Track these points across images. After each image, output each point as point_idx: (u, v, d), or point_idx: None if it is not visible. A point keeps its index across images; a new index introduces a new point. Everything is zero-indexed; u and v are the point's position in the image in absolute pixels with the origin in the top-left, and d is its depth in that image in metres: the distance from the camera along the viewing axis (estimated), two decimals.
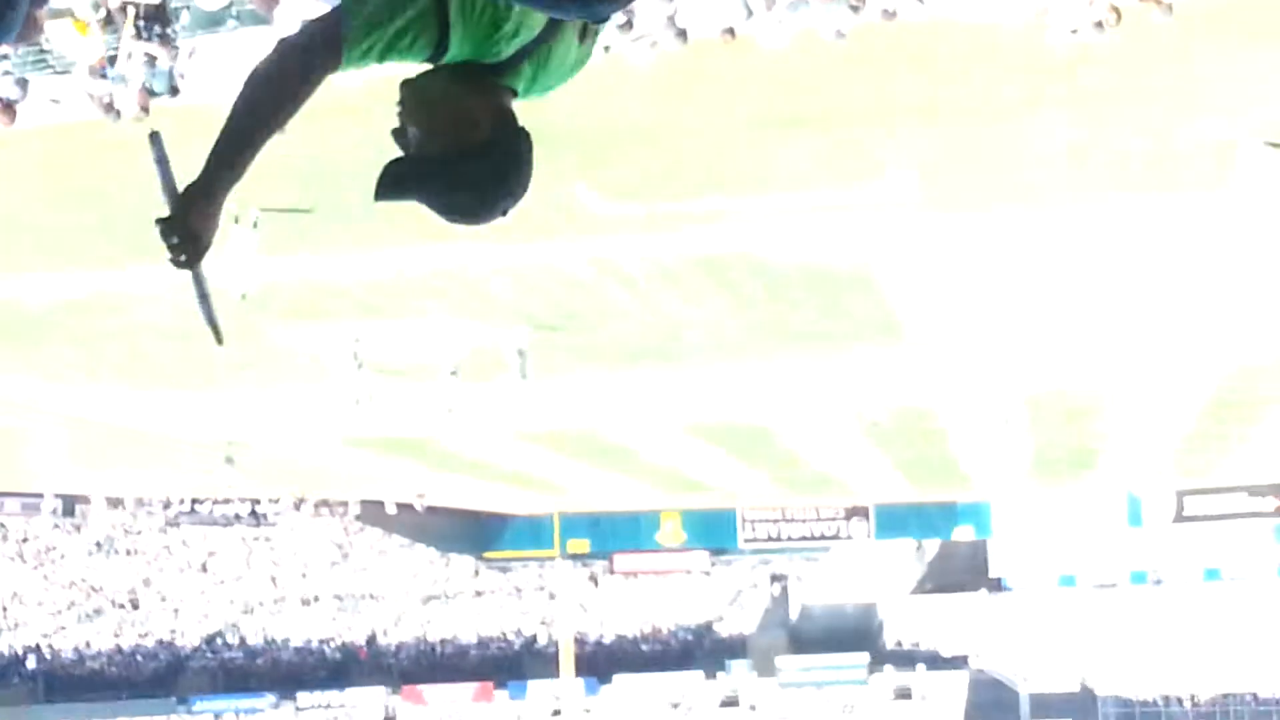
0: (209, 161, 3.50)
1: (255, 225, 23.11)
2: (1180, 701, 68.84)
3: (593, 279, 29.86)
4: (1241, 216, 23.33)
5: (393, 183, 3.59)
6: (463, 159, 3.58)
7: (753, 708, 70.82)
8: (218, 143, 3.44)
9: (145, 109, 18.75)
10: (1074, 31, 18.80)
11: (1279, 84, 20.27)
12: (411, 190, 3.65)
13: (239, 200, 22.10)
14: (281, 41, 3.58)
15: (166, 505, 57.38)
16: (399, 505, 60.04)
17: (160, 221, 3.48)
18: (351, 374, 34.78)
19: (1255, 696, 68.23)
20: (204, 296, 3.74)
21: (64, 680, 64.26)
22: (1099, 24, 18.57)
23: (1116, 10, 18.49)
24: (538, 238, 27.28)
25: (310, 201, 23.54)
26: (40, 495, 50.88)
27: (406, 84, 3.68)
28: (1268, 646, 68.06)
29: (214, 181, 3.50)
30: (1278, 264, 27.86)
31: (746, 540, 62.57)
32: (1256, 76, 20.40)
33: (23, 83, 18.85)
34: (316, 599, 67.73)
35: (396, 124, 3.67)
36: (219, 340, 3.77)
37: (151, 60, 17.48)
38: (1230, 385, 40.24)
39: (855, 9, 18.74)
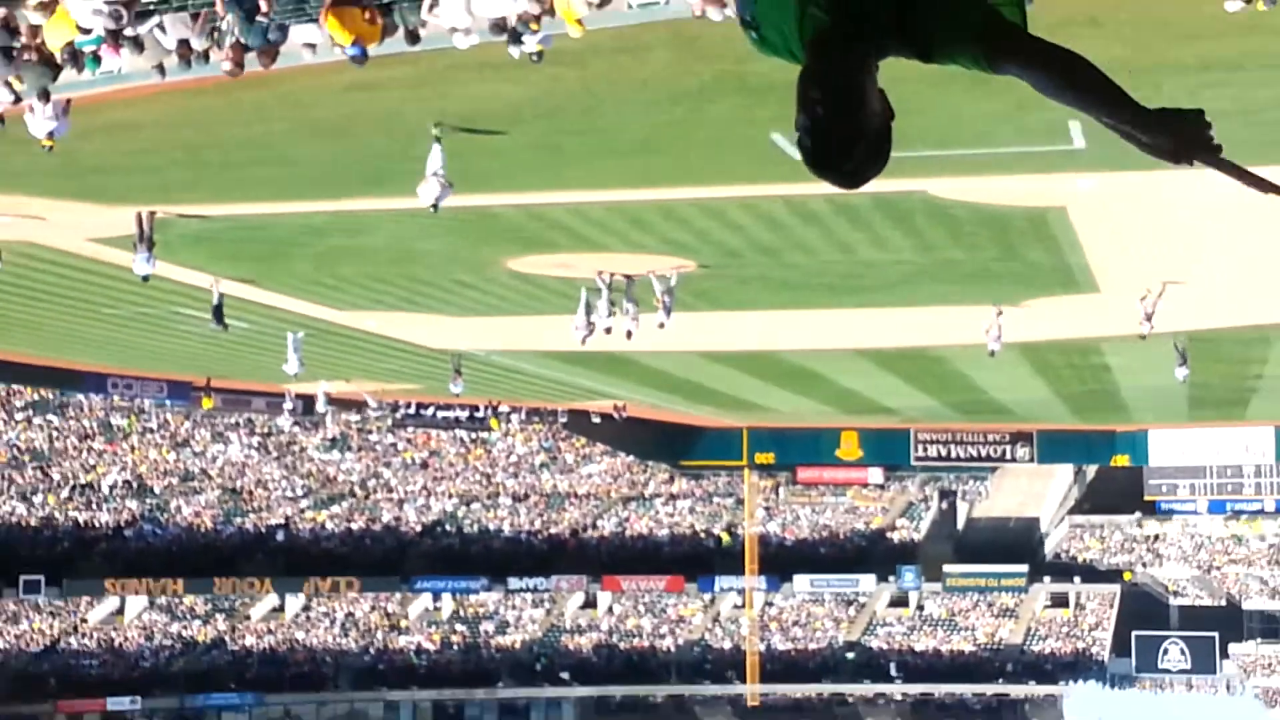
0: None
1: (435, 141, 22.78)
2: None
3: (786, 218, 29.58)
4: None
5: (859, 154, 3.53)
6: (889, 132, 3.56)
7: (920, 608, 70.87)
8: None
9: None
10: (1248, 2, 18.20)
11: None
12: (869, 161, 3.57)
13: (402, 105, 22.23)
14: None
15: (395, 408, 57.89)
16: (602, 415, 60.28)
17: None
18: (583, 309, 34.71)
19: None
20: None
21: (302, 558, 65.15)
22: None
23: None
24: (739, 181, 27.07)
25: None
26: (282, 395, 51.27)
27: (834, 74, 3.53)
28: None
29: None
30: None
31: (918, 458, 62.16)
32: None
33: (282, 28, 18.83)
34: (527, 496, 68.02)
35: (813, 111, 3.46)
36: None
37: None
38: None
39: None
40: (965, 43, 3.37)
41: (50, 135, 21.02)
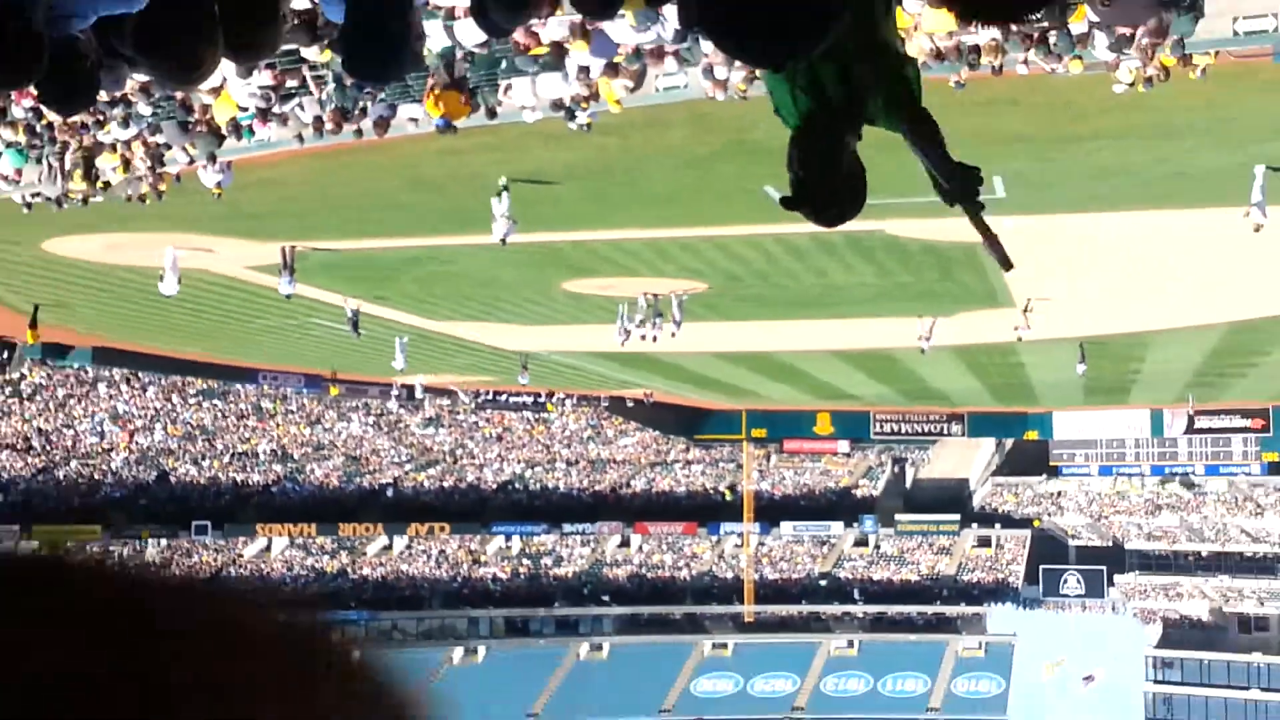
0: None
1: (502, 190, 22.81)
2: (1186, 556, 67.89)
3: (776, 251, 29.66)
4: (1249, 221, 22.45)
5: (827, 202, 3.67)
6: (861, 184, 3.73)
7: (877, 547, 71.01)
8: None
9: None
10: (1129, 85, 18.12)
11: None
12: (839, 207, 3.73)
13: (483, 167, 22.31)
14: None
15: (476, 395, 58.20)
16: (634, 401, 60.53)
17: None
18: (626, 320, 34.74)
19: (1241, 555, 66.95)
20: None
21: (406, 509, 65.40)
22: (1149, 80, 17.85)
23: (1166, 69, 17.77)
24: (740, 223, 27.17)
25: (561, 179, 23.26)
26: (390, 385, 51.51)
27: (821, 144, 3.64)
28: (1251, 519, 66.75)
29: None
30: (1272, 266, 27.14)
31: (877, 433, 62.23)
32: (1265, 117, 19.64)
33: (392, 106, 18.85)
34: (578, 461, 68.26)
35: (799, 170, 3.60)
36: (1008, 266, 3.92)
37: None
38: (1228, 338, 39.18)
39: (972, 65, 18.14)
40: (900, 121, 3.52)
41: (218, 185, 21.07)
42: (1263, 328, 37.13)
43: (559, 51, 17.91)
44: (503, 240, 23.56)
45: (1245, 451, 59.90)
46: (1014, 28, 17.15)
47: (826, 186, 3.56)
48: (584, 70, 18.39)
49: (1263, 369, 44.28)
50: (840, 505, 71.23)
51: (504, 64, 18.54)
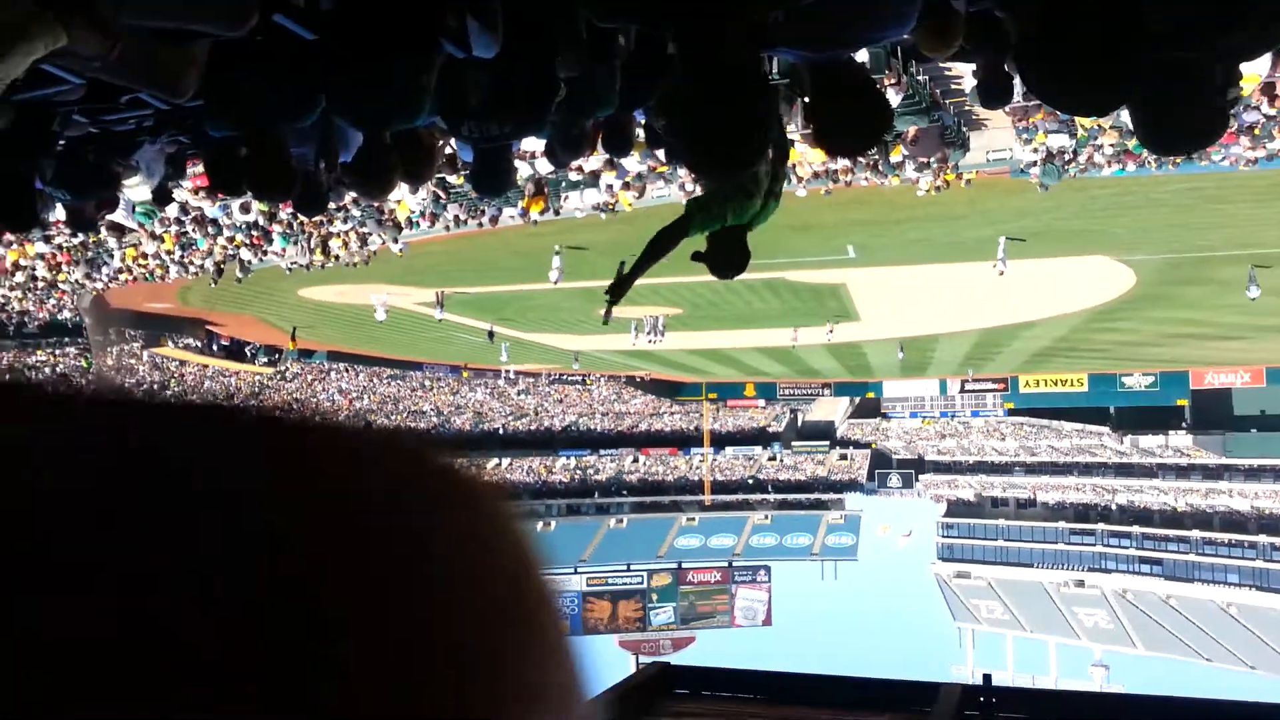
0: (632, 270, 3.53)
1: (557, 253, 22.69)
2: (960, 463, 67.94)
3: (721, 289, 29.51)
4: (995, 270, 22.28)
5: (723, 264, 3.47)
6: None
7: (782, 461, 70.34)
8: (638, 261, 3.33)
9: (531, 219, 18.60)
10: (926, 191, 18.05)
11: (1014, 215, 19.38)
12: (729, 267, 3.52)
13: (552, 242, 22.14)
14: (661, 231, 3.47)
15: (549, 375, 58.51)
16: (640, 378, 60.42)
17: (609, 290, 3.54)
18: (635, 331, 34.55)
19: (991, 463, 67.09)
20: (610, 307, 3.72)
21: (508, 443, 65.56)
22: (938, 188, 17.79)
23: (948, 182, 17.71)
24: (700, 274, 27.14)
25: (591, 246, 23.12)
26: (499, 370, 51.74)
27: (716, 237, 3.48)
28: (997, 441, 66.61)
29: (633, 277, 3.50)
30: (1009, 296, 27.10)
31: (781, 395, 61.89)
32: (1004, 211, 19.54)
33: (499, 209, 18.80)
34: (608, 413, 67.90)
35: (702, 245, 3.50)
36: (605, 320, 3.79)
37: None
38: (984, 337, 39.05)
39: (834, 181, 18.11)
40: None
41: (401, 251, 21.02)
42: (1004, 331, 37.05)
43: (595, 176, 17.91)
44: (555, 282, 23.24)
45: (994, 402, 59.71)
46: (859, 159, 17.13)
47: (725, 263, 3.51)
48: (609, 187, 18.36)
49: (1005, 355, 44.13)
50: (760, 436, 70.87)
51: (564, 183, 18.53)
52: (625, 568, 62.07)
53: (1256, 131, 15.68)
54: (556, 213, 19.50)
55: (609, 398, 65.60)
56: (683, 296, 30.06)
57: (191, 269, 20.56)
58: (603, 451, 68.16)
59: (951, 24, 2.89)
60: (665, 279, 27.59)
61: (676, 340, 37.27)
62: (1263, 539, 52.37)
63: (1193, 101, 1.99)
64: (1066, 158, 16.93)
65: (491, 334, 34.66)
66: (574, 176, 17.83)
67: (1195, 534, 55.12)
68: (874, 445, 70.94)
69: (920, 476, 68.55)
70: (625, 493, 68.76)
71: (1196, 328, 31.92)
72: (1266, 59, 12.63)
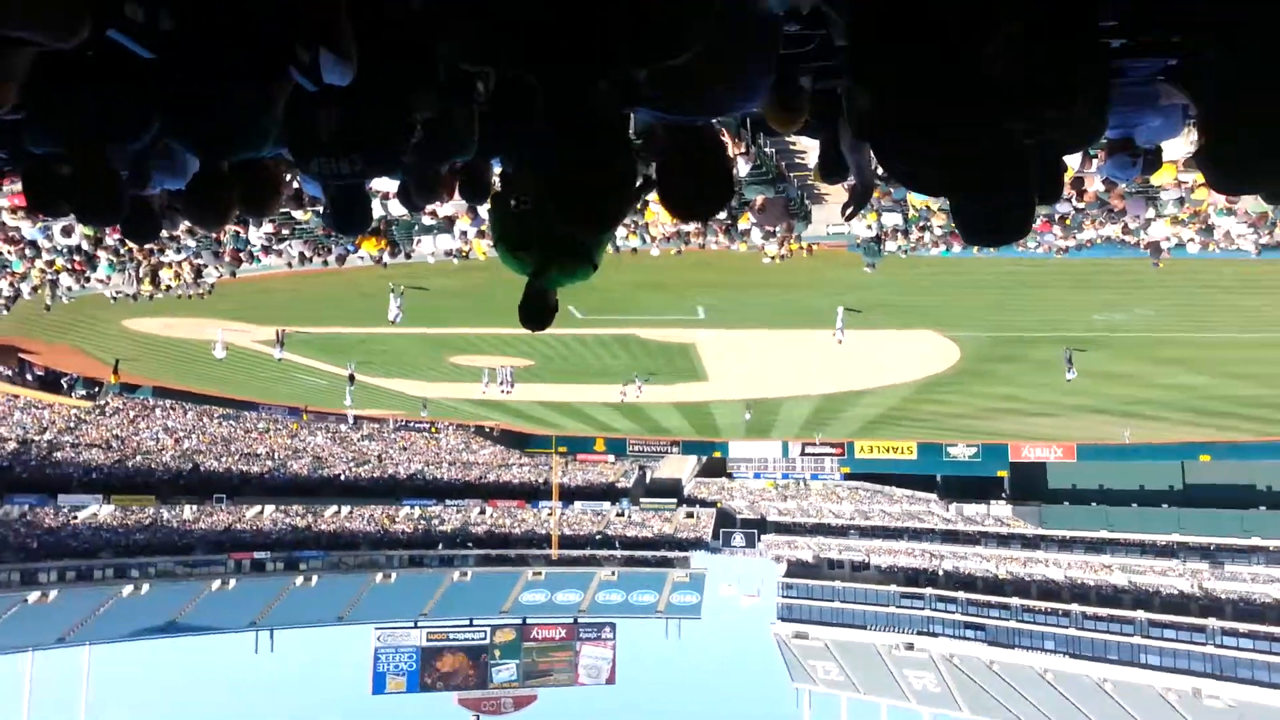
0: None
1: (396, 292, 22.20)
2: (800, 524, 69.44)
3: (580, 347, 29.52)
4: (834, 338, 23.17)
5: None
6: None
7: (629, 517, 70.20)
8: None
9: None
10: (772, 259, 18.69)
11: (851, 287, 20.25)
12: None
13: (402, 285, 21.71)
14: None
15: (394, 421, 56.86)
16: (490, 428, 59.58)
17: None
18: (486, 381, 34.13)
19: (828, 525, 68.86)
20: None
21: (349, 489, 63.29)
22: (783, 256, 18.46)
23: (792, 251, 18.39)
24: (554, 325, 27.11)
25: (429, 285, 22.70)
26: (344, 414, 50.09)
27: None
28: (834, 504, 68.48)
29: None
30: (847, 364, 28.25)
31: (631, 451, 62.07)
32: (842, 282, 20.38)
33: (347, 249, 18.34)
34: (455, 462, 66.36)
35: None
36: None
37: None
38: (824, 402, 40.34)
39: (686, 243, 18.54)
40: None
41: (228, 277, 20.18)
42: (841, 397, 38.46)
43: (450, 221, 17.75)
44: (394, 320, 22.52)
45: (832, 466, 61.57)
46: (710, 223, 17.63)
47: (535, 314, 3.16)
48: (464, 233, 18.21)
49: (842, 420, 45.69)
50: (609, 492, 70.92)
51: (417, 226, 18.27)
52: (468, 622, 61.13)
53: (1067, 222, 17.05)
54: (408, 256, 19.17)
55: (457, 447, 64.15)
56: (534, 348, 29.95)
57: (2, 295, 19.11)
58: (448, 502, 66.67)
59: (798, 100, 3.03)
60: (517, 330, 27.44)
61: (527, 392, 37.02)
62: (1075, 607, 55.63)
63: (1010, 197, 2.12)
64: (897, 235, 17.93)
65: (352, 377, 33.59)
66: (428, 220, 17.62)
67: (1015, 601, 57.90)
68: (719, 504, 71.61)
69: (762, 536, 69.46)
70: (470, 545, 67.73)
71: (1014, 403, 34.07)
72: (1076, 156, 13.79)
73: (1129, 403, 31.74)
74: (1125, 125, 3.21)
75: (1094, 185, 15.47)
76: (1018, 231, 2.18)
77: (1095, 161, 14.26)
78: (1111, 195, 15.33)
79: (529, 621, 62.38)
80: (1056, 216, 16.92)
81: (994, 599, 59.29)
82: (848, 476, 62.88)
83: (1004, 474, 54.78)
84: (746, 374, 33.52)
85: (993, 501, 60.59)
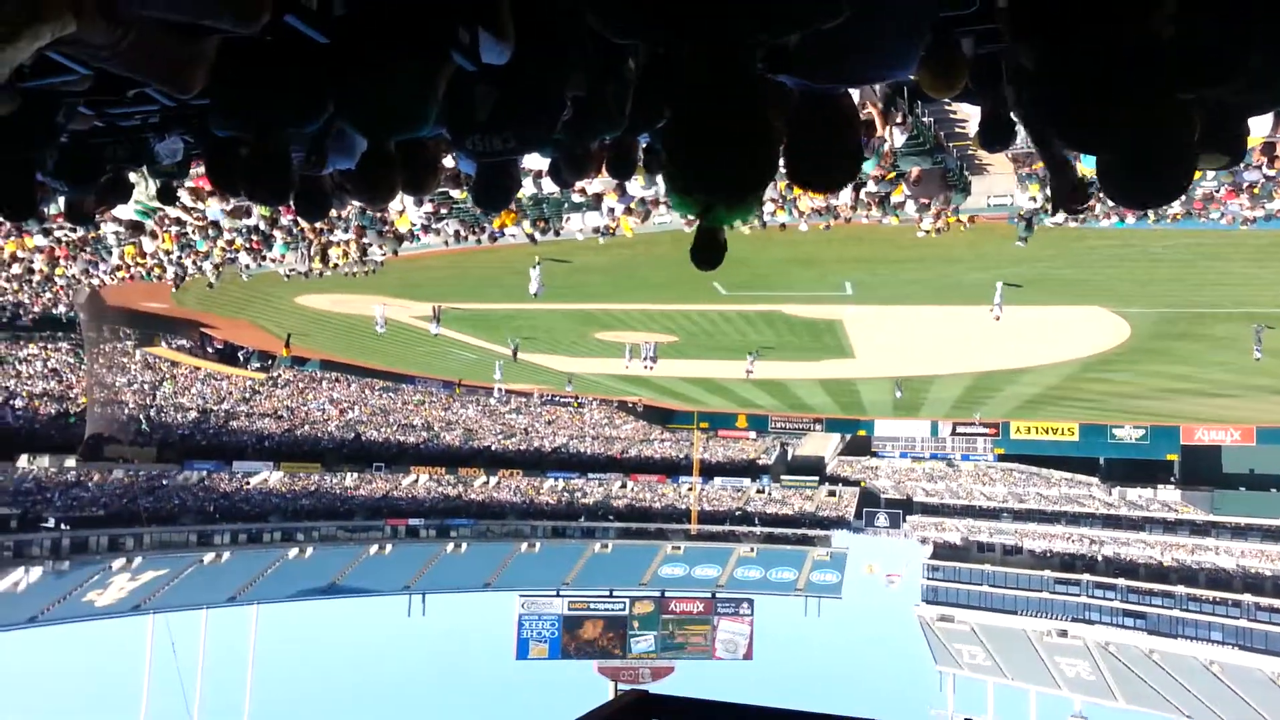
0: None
1: (537, 264, 22.23)
2: (948, 506, 67.89)
3: (717, 319, 29.52)
4: (992, 315, 22.38)
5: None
6: None
7: (769, 494, 70.17)
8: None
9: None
10: (926, 232, 18.11)
11: (1012, 261, 19.45)
12: None
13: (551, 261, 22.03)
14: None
15: (541, 395, 58.27)
16: (633, 403, 60.32)
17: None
18: (630, 356, 34.53)
19: (979, 507, 66.99)
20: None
21: (497, 460, 65.40)
22: (939, 230, 17.87)
23: (949, 224, 17.79)
24: (700, 302, 27.03)
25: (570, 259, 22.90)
26: (491, 388, 51.62)
27: None
28: (986, 486, 66.44)
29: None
30: (1005, 341, 27.22)
31: (772, 428, 61.73)
32: (1002, 256, 19.59)
33: (499, 230, 18.75)
34: (598, 436, 67.61)
35: None
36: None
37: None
38: (979, 380, 39.11)
39: (835, 215, 18.17)
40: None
41: (391, 255, 20.99)
42: (998, 376, 37.13)
43: (598, 198, 17.96)
44: (535, 294, 22.51)
45: (985, 447, 59.72)
46: (861, 195, 17.21)
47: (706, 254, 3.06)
48: (611, 210, 18.40)
49: (997, 400, 44.20)
50: (749, 469, 70.85)
51: (566, 204, 18.59)
52: (608, 593, 61.87)
53: (1256, 191, 15.81)
54: (557, 233, 19.53)
55: (600, 421, 65.05)
56: (678, 324, 30.10)
57: (189, 271, 20.55)
58: (590, 475, 67.68)
59: (955, 65, 2.91)
60: (662, 305, 27.63)
61: (670, 367, 37.28)
62: (1247, 598, 52.30)
63: (1166, 155, 2.01)
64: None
65: (515, 352, 34.41)
66: (577, 198, 17.89)
67: (1180, 590, 55.03)
68: (863, 484, 70.91)
69: (908, 517, 68.40)
70: (611, 518, 68.63)
71: (1189, 383, 32.02)
72: (1268, 119, 12.75)
73: None
74: None
75: None
76: (1172, 192, 2.07)
77: None
78: None
79: (668, 594, 63.05)
80: (1245, 185, 15.73)
81: (1157, 586, 56.39)
82: (1002, 458, 61.11)
83: (1174, 457, 51.66)
84: (896, 351, 32.81)
85: (1160, 486, 57.45)
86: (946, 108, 15.41)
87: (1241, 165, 14.79)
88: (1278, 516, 52.04)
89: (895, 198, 17.50)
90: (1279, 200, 15.99)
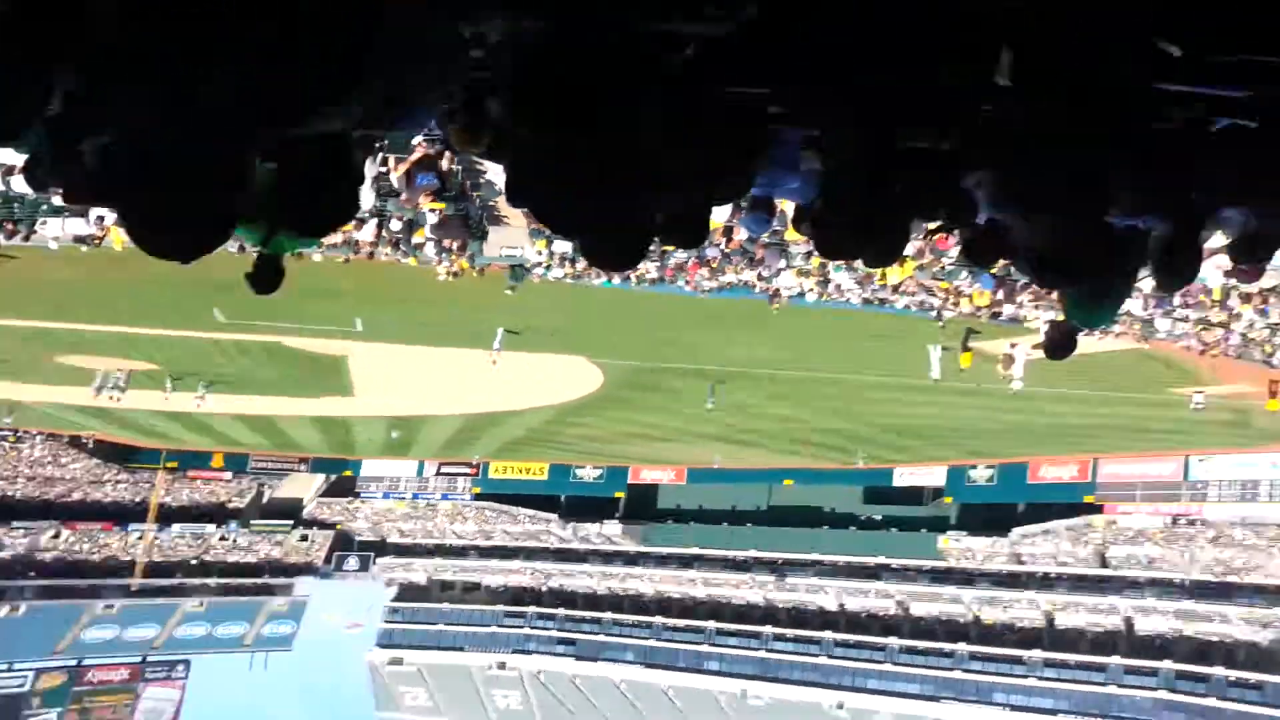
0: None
1: None
2: (421, 547, 67.69)
3: (215, 352, 27.14)
4: (490, 360, 23.56)
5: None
6: None
7: (235, 542, 64.44)
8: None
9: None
10: (445, 275, 18.87)
11: (513, 308, 20.72)
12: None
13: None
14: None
15: None
16: (84, 438, 52.38)
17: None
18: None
19: (449, 546, 67.85)
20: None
21: None
22: (455, 274, 18.69)
23: (463, 269, 18.65)
24: (192, 327, 24.66)
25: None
26: None
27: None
28: (459, 525, 67.81)
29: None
30: (498, 385, 28.83)
31: (253, 468, 56.95)
32: (504, 305, 20.88)
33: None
34: (31, 479, 57.38)
35: None
36: None
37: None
38: (469, 422, 40.50)
39: (354, 249, 18.09)
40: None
41: None
42: (487, 418, 39.07)
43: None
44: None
45: (464, 486, 61.74)
46: (383, 232, 17.43)
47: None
48: (100, 219, 16.56)
49: (484, 440, 46.21)
50: (217, 513, 64.93)
51: (45, 206, 16.34)
52: (6, 667, 54.10)
53: (714, 265, 19.14)
54: (25, 238, 17.09)
55: (42, 459, 56.61)
56: (162, 351, 27.36)
57: None
58: (16, 524, 57.47)
59: (479, 127, 2.84)
60: (140, 329, 25.02)
61: (141, 399, 33.45)
62: (658, 620, 59.57)
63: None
64: (564, 264, 19.02)
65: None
66: (57, 200, 15.80)
67: (608, 615, 61.16)
68: (339, 526, 67.45)
69: (378, 559, 66.08)
70: (33, 574, 57.79)
71: (645, 428, 36.81)
72: (726, 208, 15.55)
73: (745, 431, 35.40)
74: (770, 185, 3.25)
75: (740, 234, 17.59)
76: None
77: (741, 214, 16.31)
78: (755, 245, 17.52)
79: (86, 663, 55.99)
80: (703, 259, 18.93)
81: (589, 614, 62.45)
82: (477, 497, 62.25)
83: (621, 495, 58.35)
84: (396, 390, 32.97)
85: (606, 521, 63.98)
86: (474, 159, 16.44)
87: (707, 243, 17.88)
88: (689, 546, 61.41)
89: (416, 239, 18.10)
90: (730, 274, 19.52)
